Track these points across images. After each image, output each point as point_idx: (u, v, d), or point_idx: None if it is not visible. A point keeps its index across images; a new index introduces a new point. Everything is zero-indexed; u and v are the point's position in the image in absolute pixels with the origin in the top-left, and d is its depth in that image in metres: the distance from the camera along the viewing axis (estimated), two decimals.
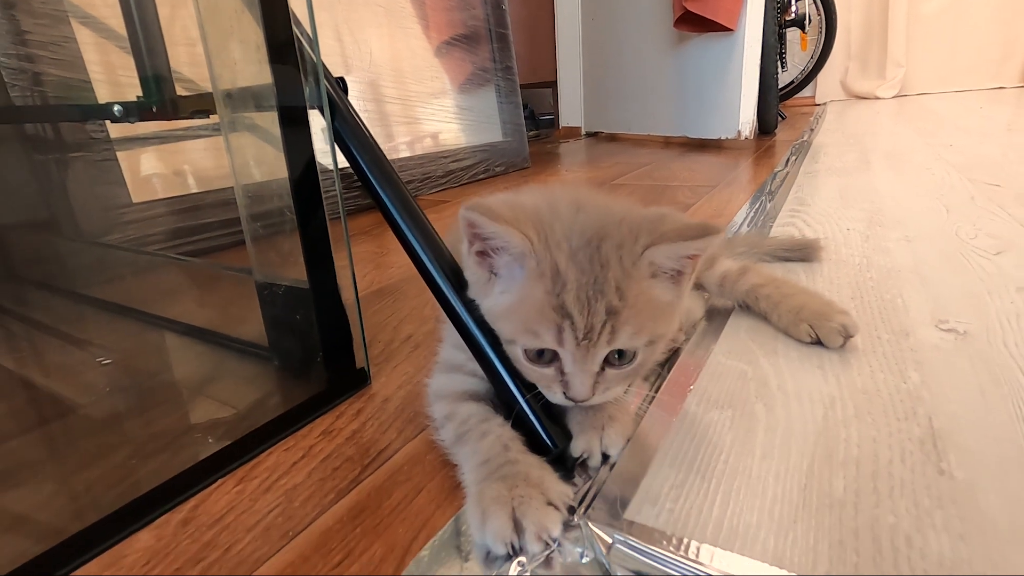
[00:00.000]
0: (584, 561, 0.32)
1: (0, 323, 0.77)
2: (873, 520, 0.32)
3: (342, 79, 0.49)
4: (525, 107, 3.39)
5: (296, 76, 0.43)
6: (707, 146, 2.07)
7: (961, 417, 0.40)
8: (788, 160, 1.61)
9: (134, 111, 0.70)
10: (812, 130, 2.28)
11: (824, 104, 3.40)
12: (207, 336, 0.66)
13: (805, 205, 1.05)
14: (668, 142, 2.29)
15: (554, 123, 3.05)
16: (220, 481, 0.41)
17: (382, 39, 1.45)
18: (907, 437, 0.38)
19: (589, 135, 2.74)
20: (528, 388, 0.40)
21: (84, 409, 0.52)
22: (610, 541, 0.32)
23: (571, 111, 2.78)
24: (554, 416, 0.40)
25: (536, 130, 3.16)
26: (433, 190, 1.50)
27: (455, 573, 0.31)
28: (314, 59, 0.44)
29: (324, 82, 0.45)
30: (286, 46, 0.42)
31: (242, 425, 0.46)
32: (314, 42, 0.43)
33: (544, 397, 0.39)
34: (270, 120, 0.46)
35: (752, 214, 1.04)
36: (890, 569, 0.29)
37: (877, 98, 3.30)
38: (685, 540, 0.31)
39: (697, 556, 0.30)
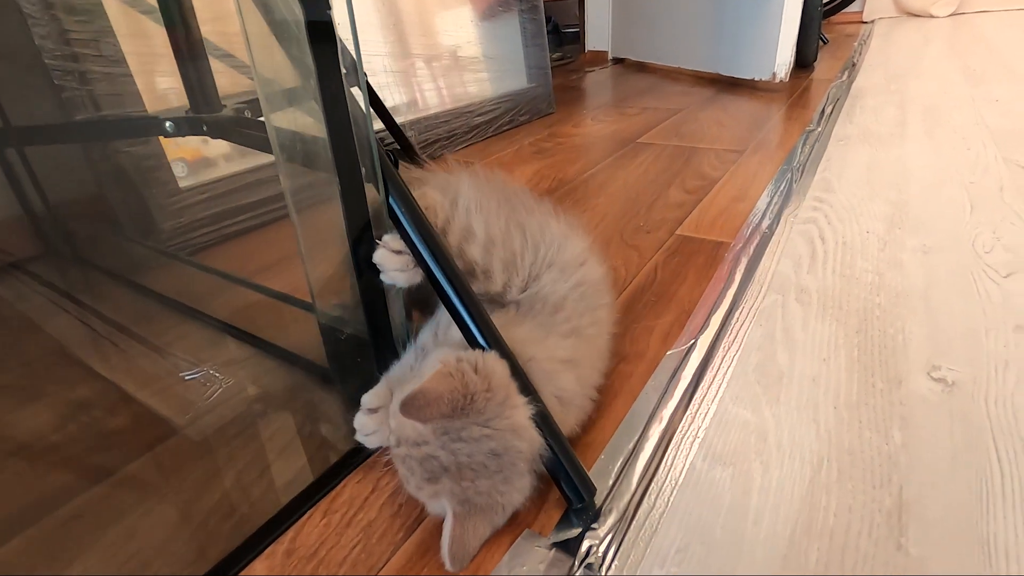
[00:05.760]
0: None
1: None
2: None
3: (392, 154, 0.52)
4: (548, 20, 3.19)
5: (352, 151, 0.47)
6: (739, 86, 1.98)
7: (928, 486, 0.47)
8: (822, 113, 1.56)
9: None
10: (854, 64, 2.15)
11: (872, 22, 3.15)
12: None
13: (830, 193, 1.05)
14: (699, 77, 2.19)
15: (579, 37, 2.88)
16: (309, 513, 0.50)
17: None
18: (878, 508, 0.46)
19: (616, 61, 2.61)
20: (557, 440, 0.48)
21: (184, 430, 0.61)
22: None
23: (598, 33, 2.63)
24: (581, 471, 0.49)
25: (560, 46, 3.00)
26: (459, 146, 1.50)
27: None
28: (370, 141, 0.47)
29: (378, 160, 0.49)
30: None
31: (318, 456, 0.55)
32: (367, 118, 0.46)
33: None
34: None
35: (775, 198, 1.05)
36: None
37: (931, 16, 3.04)
38: None
39: None
